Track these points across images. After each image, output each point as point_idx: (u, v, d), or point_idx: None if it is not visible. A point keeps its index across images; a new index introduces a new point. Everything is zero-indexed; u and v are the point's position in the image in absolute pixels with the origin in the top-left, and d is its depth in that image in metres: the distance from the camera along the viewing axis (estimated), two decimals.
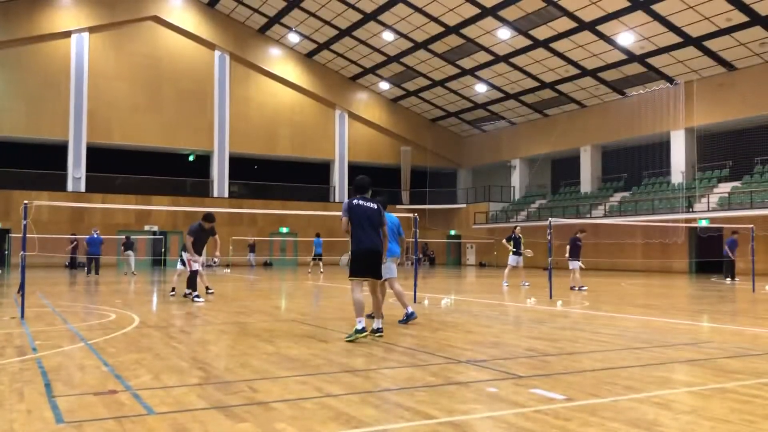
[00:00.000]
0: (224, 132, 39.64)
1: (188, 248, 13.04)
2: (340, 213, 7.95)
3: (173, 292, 14.20)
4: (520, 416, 4.20)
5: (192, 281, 13.16)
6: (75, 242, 29.26)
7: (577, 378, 5.49)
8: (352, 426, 3.97)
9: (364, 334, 7.51)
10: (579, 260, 17.23)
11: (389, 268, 9.00)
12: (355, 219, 7.68)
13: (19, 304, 9.97)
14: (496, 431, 3.96)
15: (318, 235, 28.61)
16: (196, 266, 13.21)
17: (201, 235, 13.17)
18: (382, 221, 7.85)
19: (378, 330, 7.82)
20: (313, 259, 28.59)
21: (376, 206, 7.81)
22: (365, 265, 7.74)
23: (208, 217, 13.15)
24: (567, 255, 17.26)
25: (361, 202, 7.75)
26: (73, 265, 29.92)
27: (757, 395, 4.86)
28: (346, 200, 7.97)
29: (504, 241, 19.87)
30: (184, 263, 13.64)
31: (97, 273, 24.19)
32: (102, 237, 25.06)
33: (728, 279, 22.17)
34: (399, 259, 9.40)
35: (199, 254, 13.42)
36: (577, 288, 16.58)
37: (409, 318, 9.17)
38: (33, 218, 9.87)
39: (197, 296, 12.94)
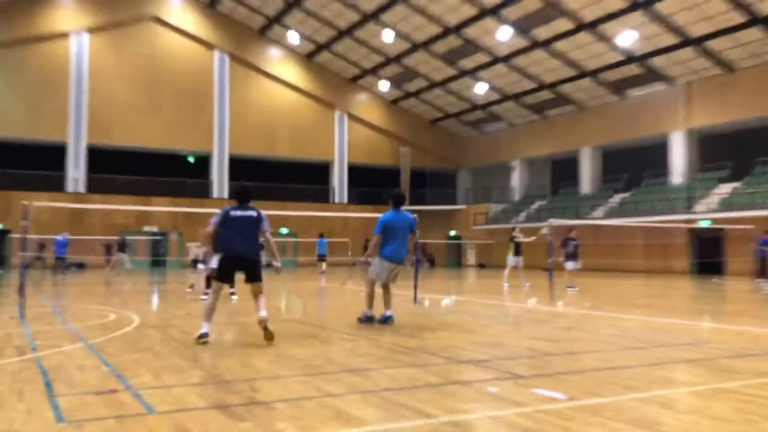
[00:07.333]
0: (224, 133, 39.60)
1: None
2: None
3: (190, 289, 14.89)
4: (522, 416, 4.18)
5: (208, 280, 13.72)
6: (43, 244, 29.19)
7: (578, 378, 5.48)
8: (353, 426, 3.95)
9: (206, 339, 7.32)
10: (571, 260, 17.11)
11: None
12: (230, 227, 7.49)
13: (18, 304, 9.96)
14: (498, 431, 3.95)
15: (321, 236, 28.48)
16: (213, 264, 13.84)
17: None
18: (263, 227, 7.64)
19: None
20: (318, 260, 28.55)
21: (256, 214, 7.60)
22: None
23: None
24: (563, 256, 17.18)
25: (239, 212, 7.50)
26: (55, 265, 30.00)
27: (759, 395, 4.85)
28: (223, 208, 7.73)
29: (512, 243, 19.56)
30: (196, 264, 14.43)
31: (63, 273, 25.03)
32: (68, 239, 25.36)
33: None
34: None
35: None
36: (567, 287, 16.48)
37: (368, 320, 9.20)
38: (33, 219, 9.86)
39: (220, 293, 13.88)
